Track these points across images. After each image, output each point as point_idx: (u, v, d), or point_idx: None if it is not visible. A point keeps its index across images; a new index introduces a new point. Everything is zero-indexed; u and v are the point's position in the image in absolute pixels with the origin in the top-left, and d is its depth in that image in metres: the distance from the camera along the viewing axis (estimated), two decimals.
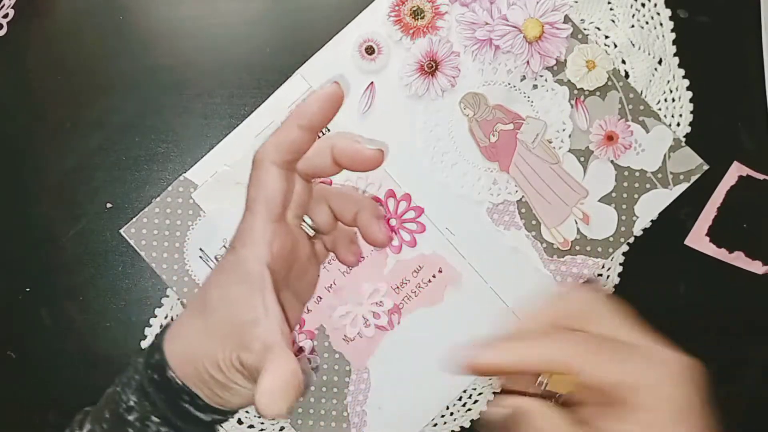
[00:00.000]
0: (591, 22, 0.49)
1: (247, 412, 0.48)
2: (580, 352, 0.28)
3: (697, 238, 0.49)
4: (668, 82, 0.49)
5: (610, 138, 0.48)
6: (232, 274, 0.34)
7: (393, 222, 0.48)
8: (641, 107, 0.48)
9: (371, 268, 0.48)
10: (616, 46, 0.49)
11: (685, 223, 0.49)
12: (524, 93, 0.48)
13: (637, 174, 0.48)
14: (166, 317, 0.48)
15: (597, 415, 0.28)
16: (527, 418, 0.27)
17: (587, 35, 0.48)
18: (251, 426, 0.48)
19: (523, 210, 0.48)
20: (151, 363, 0.35)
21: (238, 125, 0.47)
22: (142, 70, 0.48)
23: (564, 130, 0.48)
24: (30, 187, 0.48)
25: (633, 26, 0.49)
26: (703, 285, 0.50)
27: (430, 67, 0.47)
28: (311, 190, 0.37)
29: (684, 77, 0.49)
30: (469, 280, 0.48)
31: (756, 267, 0.49)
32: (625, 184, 0.48)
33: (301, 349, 0.47)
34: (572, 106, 0.48)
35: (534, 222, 0.48)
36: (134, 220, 0.47)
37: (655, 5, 0.49)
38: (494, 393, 0.46)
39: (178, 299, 0.47)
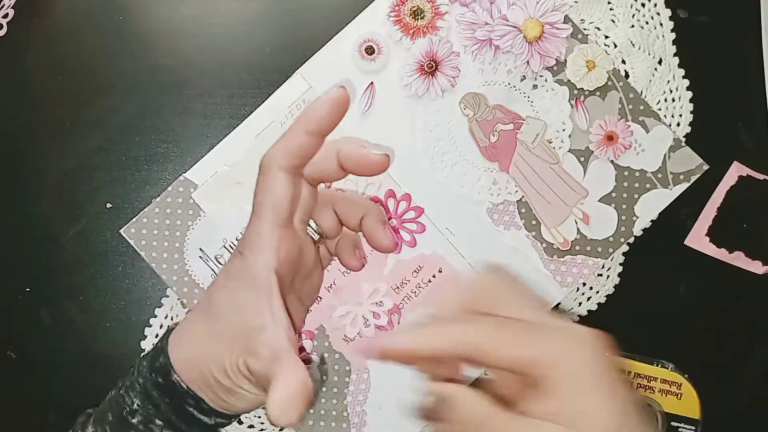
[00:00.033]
0: (591, 22, 0.49)
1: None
2: (490, 334, 0.28)
3: (697, 238, 0.49)
4: (668, 82, 0.49)
5: (610, 138, 0.48)
6: (239, 280, 0.34)
7: (393, 222, 0.48)
8: (641, 107, 0.48)
9: (371, 268, 0.48)
10: (616, 46, 0.49)
11: (685, 223, 0.49)
12: (524, 93, 0.48)
13: (637, 174, 0.48)
14: (166, 317, 0.48)
15: (520, 398, 0.28)
16: (450, 404, 0.27)
17: (587, 35, 0.48)
18: (251, 426, 0.48)
19: (523, 210, 0.48)
20: (156, 366, 0.35)
21: (238, 125, 0.47)
22: (142, 70, 0.48)
23: (564, 130, 0.48)
24: (30, 187, 0.48)
25: (633, 26, 0.49)
26: (703, 285, 0.50)
27: (430, 67, 0.47)
28: (316, 195, 0.37)
29: (684, 77, 0.49)
30: None
31: (756, 267, 0.50)
32: (625, 184, 0.48)
33: (309, 360, 0.47)
34: (572, 106, 0.48)
35: (534, 222, 0.48)
36: (134, 220, 0.47)
37: (655, 5, 0.49)
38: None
39: (178, 299, 0.47)
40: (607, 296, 0.49)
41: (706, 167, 0.48)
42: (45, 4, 0.48)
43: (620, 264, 0.49)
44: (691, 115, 0.49)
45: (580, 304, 0.49)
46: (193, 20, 0.48)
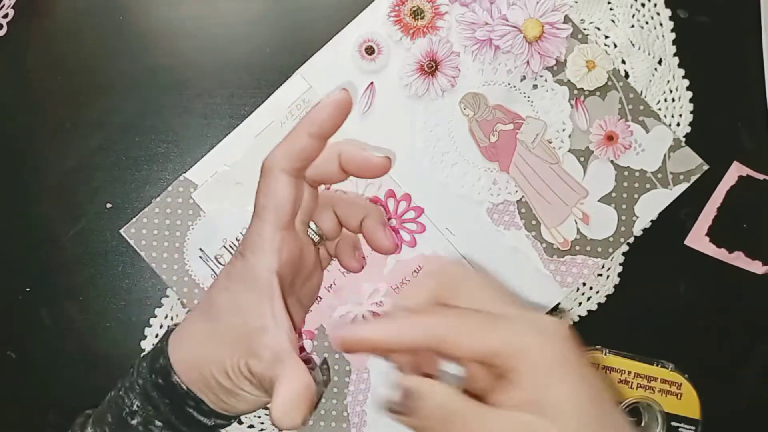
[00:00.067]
0: (591, 22, 0.49)
1: None
2: (456, 325, 0.29)
3: (697, 238, 0.49)
4: (668, 82, 0.49)
5: (610, 138, 0.48)
6: (241, 281, 0.34)
7: (393, 222, 0.48)
8: (641, 107, 0.48)
9: (371, 268, 0.48)
10: (616, 46, 0.49)
11: (685, 223, 0.49)
12: (524, 93, 0.48)
13: (637, 174, 0.48)
14: (166, 317, 0.48)
15: (492, 390, 0.29)
16: (417, 397, 0.27)
17: (587, 35, 0.48)
18: (251, 426, 0.48)
19: (523, 210, 0.48)
20: (156, 367, 0.35)
21: (238, 125, 0.47)
22: (142, 70, 0.48)
23: (564, 130, 0.48)
24: (30, 187, 0.48)
25: (633, 26, 0.49)
26: (703, 285, 0.50)
27: (430, 67, 0.47)
28: (317, 197, 0.37)
29: (684, 77, 0.49)
30: None
31: (756, 267, 0.50)
32: (625, 184, 0.48)
33: (309, 360, 0.47)
34: (572, 106, 0.48)
35: (534, 222, 0.48)
36: (134, 220, 0.47)
37: (655, 5, 0.49)
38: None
39: (178, 299, 0.47)
40: (607, 296, 0.49)
41: (706, 167, 0.48)
42: (45, 4, 0.48)
43: (620, 264, 0.49)
44: (691, 115, 0.49)
45: (580, 304, 0.49)
46: (193, 20, 0.48)
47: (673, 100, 0.49)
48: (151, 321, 0.47)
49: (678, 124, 0.49)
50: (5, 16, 0.48)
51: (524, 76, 0.48)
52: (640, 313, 0.49)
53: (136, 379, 0.36)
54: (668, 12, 0.49)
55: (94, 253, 0.48)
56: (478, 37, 0.47)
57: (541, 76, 0.48)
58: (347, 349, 0.30)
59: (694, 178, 0.48)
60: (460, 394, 0.27)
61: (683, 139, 0.49)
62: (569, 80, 0.48)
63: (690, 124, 0.49)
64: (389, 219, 0.48)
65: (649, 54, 0.49)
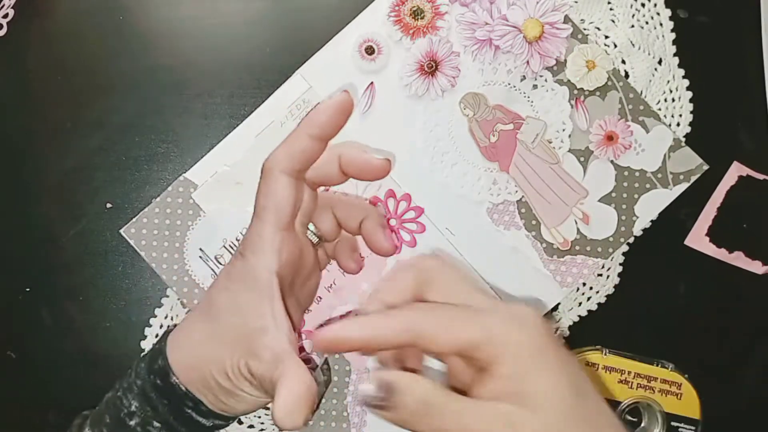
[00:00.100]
0: (591, 22, 0.49)
1: None
2: (432, 320, 0.29)
3: (697, 238, 0.49)
4: (668, 82, 0.49)
5: (610, 138, 0.48)
6: (241, 281, 0.34)
7: (393, 222, 0.48)
8: (641, 107, 0.48)
9: (371, 269, 0.48)
10: (616, 46, 0.49)
11: (685, 223, 0.49)
12: (524, 93, 0.48)
13: (637, 174, 0.48)
14: (166, 317, 0.48)
15: (473, 383, 0.29)
16: (395, 391, 0.27)
17: (587, 35, 0.48)
18: (251, 426, 0.48)
19: (522, 210, 0.48)
20: (154, 368, 0.35)
21: (238, 125, 0.47)
22: (142, 70, 0.48)
23: (564, 130, 0.48)
24: (30, 187, 0.48)
25: (633, 26, 0.49)
26: (703, 285, 0.50)
27: (430, 67, 0.47)
28: (317, 198, 0.37)
29: (684, 77, 0.49)
30: None
31: (756, 267, 0.50)
32: (625, 184, 0.48)
33: (309, 360, 0.47)
34: (572, 106, 0.48)
35: (534, 222, 0.48)
36: (134, 220, 0.47)
37: (655, 5, 0.49)
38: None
39: (178, 299, 0.47)
40: (607, 296, 0.49)
41: (706, 167, 0.48)
42: (45, 4, 0.48)
43: (620, 264, 0.49)
44: (691, 115, 0.49)
45: (580, 304, 0.49)
46: (193, 20, 0.48)
47: (673, 100, 0.49)
48: (151, 321, 0.47)
49: (678, 124, 0.49)
50: (5, 16, 0.48)
51: (524, 76, 0.48)
52: (640, 313, 0.49)
53: (135, 379, 0.36)
54: (668, 12, 0.49)
55: (94, 253, 0.48)
56: (478, 37, 0.47)
57: (541, 76, 0.48)
58: (326, 349, 0.30)
59: (694, 178, 0.48)
60: (439, 388, 0.28)
61: (683, 139, 0.49)
62: (569, 80, 0.48)
63: (690, 124, 0.49)
64: (389, 219, 0.48)
65: (649, 54, 0.49)
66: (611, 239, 0.48)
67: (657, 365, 0.48)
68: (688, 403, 0.48)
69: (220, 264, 0.47)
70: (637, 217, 0.48)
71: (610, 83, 0.48)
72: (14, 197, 0.48)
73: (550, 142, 0.48)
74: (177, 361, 0.35)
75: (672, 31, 0.49)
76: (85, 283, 0.48)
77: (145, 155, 0.48)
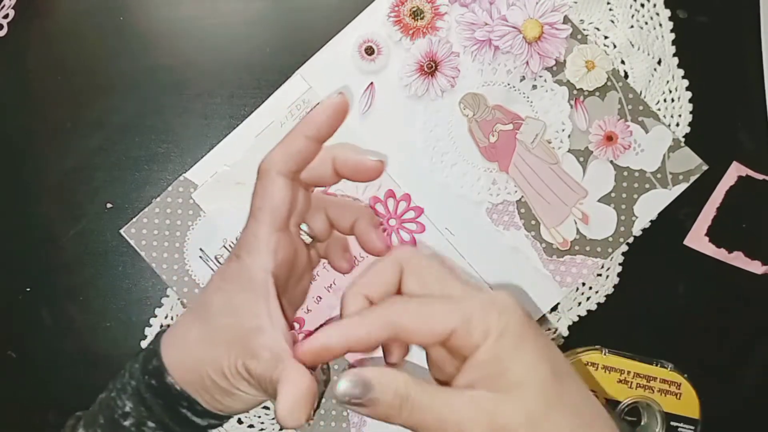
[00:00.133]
0: (590, 23, 0.49)
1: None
2: (411, 312, 0.29)
3: (697, 238, 0.49)
4: (667, 82, 0.49)
5: (610, 138, 0.48)
6: (236, 282, 0.34)
7: (393, 222, 0.48)
8: (640, 107, 0.48)
9: None
10: (615, 46, 0.49)
11: (685, 223, 0.49)
12: (523, 93, 0.48)
13: (637, 174, 0.48)
14: (166, 317, 0.48)
15: (454, 373, 0.29)
16: (369, 388, 0.28)
17: (586, 36, 0.48)
18: (251, 426, 0.48)
19: (522, 210, 0.48)
20: (149, 369, 0.35)
21: (238, 125, 0.48)
22: (142, 70, 0.48)
23: (563, 130, 0.48)
24: (30, 187, 0.48)
25: (632, 26, 0.49)
26: (703, 285, 0.50)
27: (430, 68, 0.47)
28: (310, 199, 0.37)
29: (683, 77, 0.49)
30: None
31: (755, 267, 0.50)
32: (625, 184, 0.48)
33: None
34: (571, 106, 0.48)
35: (533, 222, 0.48)
36: (134, 220, 0.47)
37: (655, 5, 0.49)
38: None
39: (178, 299, 0.47)
40: (607, 296, 0.49)
41: (705, 167, 0.48)
42: (45, 4, 0.48)
43: (619, 264, 0.49)
44: (691, 116, 0.49)
45: (579, 304, 0.49)
46: (193, 20, 0.48)
47: (673, 100, 0.49)
48: (151, 321, 0.48)
49: (677, 125, 0.49)
50: (6, 16, 0.48)
51: (524, 76, 0.48)
52: (639, 313, 0.50)
53: (128, 380, 0.36)
54: (668, 12, 0.49)
55: (94, 253, 0.48)
56: (478, 38, 0.47)
57: (540, 76, 0.48)
58: (312, 360, 0.30)
59: (693, 178, 0.48)
60: (415, 381, 0.28)
61: (683, 140, 0.49)
62: (568, 80, 0.48)
63: (689, 125, 0.49)
64: (389, 219, 0.48)
65: (648, 54, 0.49)
66: (611, 239, 0.48)
67: (656, 365, 0.48)
68: (687, 402, 0.48)
69: (221, 264, 0.47)
70: (637, 217, 0.48)
71: (609, 83, 0.48)
72: (14, 197, 0.48)
73: (550, 143, 0.48)
74: (172, 362, 0.35)
75: (671, 31, 0.49)
76: (85, 283, 0.48)
77: (145, 155, 0.48)
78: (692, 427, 0.48)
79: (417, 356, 0.33)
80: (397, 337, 0.29)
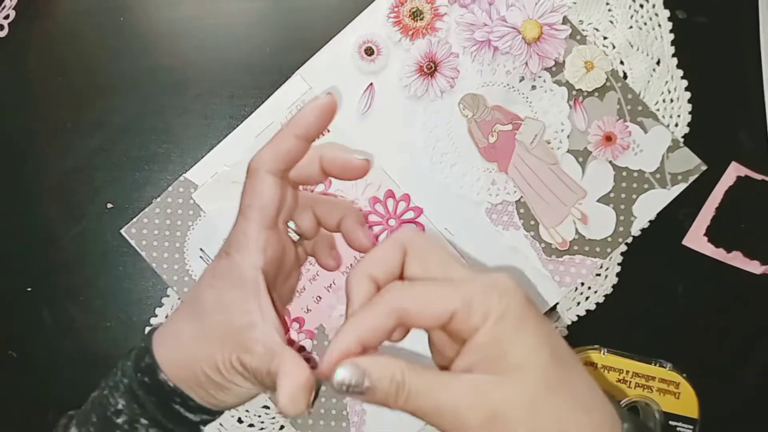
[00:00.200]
0: (589, 23, 0.49)
1: (247, 411, 0.48)
2: (414, 295, 0.30)
3: (695, 238, 0.49)
4: (666, 82, 0.49)
5: (609, 138, 0.48)
6: (226, 279, 0.35)
7: (392, 222, 0.48)
8: (639, 108, 0.48)
9: None
10: (614, 46, 0.49)
11: (684, 223, 0.49)
12: (523, 94, 0.48)
13: (636, 174, 0.48)
14: (166, 317, 0.48)
15: (454, 357, 0.29)
16: (364, 376, 0.28)
17: (586, 36, 0.48)
18: (251, 425, 0.48)
19: (521, 210, 0.48)
20: (141, 366, 0.35)
21: (238, 126, 0.48)
22: (143, 70, 0.48)
23: (562, 130, 0.48)
24: (30, 187, 0.48)
25: (631, 27, 0.49)
26: (701, 285, 0.50)
27: (430, 68, 0.47)
28: (297, 197, 0.38)
29: (682, 78, 0.49)
30: None
31: (754, 267, 0.50)
32: (624, 184, 0.48)
33: (309, 359, 0.48)
34: (571, 106, 0.48)
35: (533, 222, 0.48)
36: (135, 220, 0.47)
37: (654, 6, 0.49)
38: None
39: (179, 299, 0.47)
40: (606, 296, 0.49)
41: (704, 167, 0.48)
42: (46, 5, 0.48)
43: (618, 264, 0.49)
44: (690, 116, 0.49)
45: (578, 303, 0.49)
46: (193, 20, 0.49)
47: (672, 100, 0.49)
48: (152, 321, 0.48)
49: (676, 125, 0.49)
50: (6, 17, 0.48)
51: (523, 77, 0.48)
52: (638, 313, 0.50)
53: (121, 378, 0.36)
54: (667, 13, 0.49)
55: (94, 253, 0.48)
56: (477, 38, 0.47)
57: (539, 76, 0.48)
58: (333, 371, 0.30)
59: (692, 179, 0.48)
60: (411, 367, 0.28)
61: (681, 140, 0.49)
62: (568, 81, 0.48)
63: (688, 125, 0.49)
64: (388, 219, 0.48)
65: (647, 55, 0.49)
66: (609, 239, 0.48)
67: (655, 365, 0.48)
68: (686, 402, 0.48)
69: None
70: (636, 217, 0.48)
71: (608, 84, 0.48)
72: (14, 197, 0.48)
73: (549, 143, 0.48)
74: (165, 359, 0.35)
75: (670, 31, 0.49)
76: (85, 283, 0.48)
77: (145, 155, 0.48)
78: (691, 427, 0.48)
79: (421, 344, 0.33)
80: (402, 322, 0.30)
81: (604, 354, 0.48)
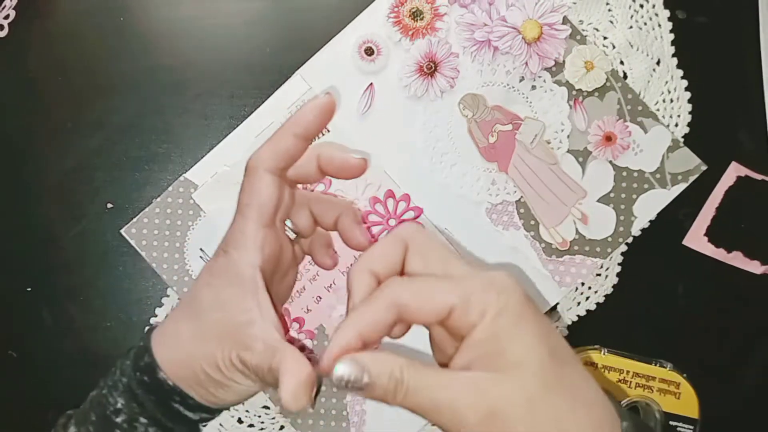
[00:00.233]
0: (589, 23, 0.49)
1: (247, 411, 0.48)
2: (414, 290, 0.30)
3: (696, 238, 0.49)
4: (666, 82, 0.49)
5: (609, 138, 0.48)
6: (224, 277, 0.35)
7: (392, 222, 0.48)
8: (640, 108, 0.48)
9: None
10: (614, 46, 0.49)
11: (684, 223, 0.49)
12: (523, 94, 0.48)
13: (636, 174, 0.48)
14: (166, 317, 0.48)
15: (453, 354, 0.29)
16: (369, 374, 0.28)
17: (586, 36, 0.48)
18: (251, 425, 0.48)
19: (521, 210, 0.48)
20: (140, 366, 0.35)
21: (238, 126, 0.48)
22: (143, 70, 0.48)
23: (562, 130, 0.48)
24: (30, 187, 0.48)
25: (631, 27, 0.49)
26: (702, 285, 0.50)
27: (430, 68, 0.47)
28: (294, 196, 0.38)
29: (682, 78, 0.49)
30: None
31: (754, 267, 0.50)
32: (624, 184, 0.48)
33: (303, 347, 0.48)
34: (571, 106, 0.48)
35: (533, 222, 0.48)
36: (135, 220, 0.47)
37: (654, 6, 0.49)
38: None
39: (179, 299, 0.47)
40: (606, 296, 0.49)
41: (704, 167, 0.48)
42: (46, 5, 0.48)
43: (619, 264, 0.49)
44: (690, 116, 0.49)
45: (578, 303, 0.49)
46: (193, 20, 0.49)
47: (672, 100, 0.49)
48: (152, 321, 0.48)
49: (676, 125, 0.49)
50: (6, 17, 0.48)
51: (523, 77, 0.48)
52: (638, 313, 0.50)
53: (120, 377, 0.36)
54: (667, 13, 0.49)
55: (94, 253, 0.48)
56: (477, 38, 0.47)
57: (539, 76, 0.48)
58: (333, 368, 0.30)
59: (692, 179, 0.48)
60: (410, 364, 0.28)
61: (682, 140, 0.49)
62: (568, 81, 0.48)
63: (688, 125, 0.49)
64: (388, 219, 0.48)
65: (647, 55, 0.49)
66: (610, 239, 0.48)
67: (655, 365, 0.48)
68: (686, 402, 0.48)
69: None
70: (636, 217, 0.48)
71: (608, 84, 0.48)
72: (14, 197, 0.48)
73: (549, 143, 0.48)
74: (164, 358, 0.35)
75: (670, 31, 0.49)
76: (85, 283, 0.48)
77: (145, 155, 0.48)
78: (691, 427, 0.48)
79: (421, 341, 0.33)
80: (401, 316, 0.30)
81: (604, 354, 0.48)
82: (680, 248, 0.49)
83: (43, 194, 0.48)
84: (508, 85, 0.48)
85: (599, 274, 0.49)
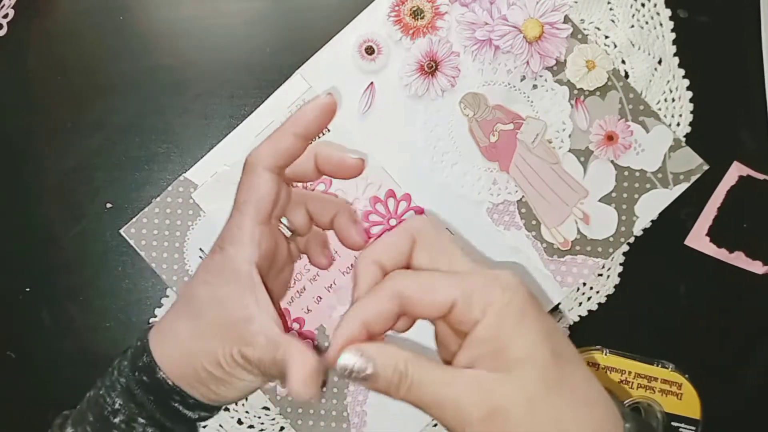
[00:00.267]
0: (591, 22, 0.49)
1: (247, 412, 0.48)
2: (418, 283, 0.30)
3: (697, 238, 0.49)
4: (668, 82, 0.49)
5: (610, 138, 0.48)
6: (221, 274, 0.35)
7: (393, 222, 0.48)
8: (641, 107, 0.48)
9: None
10: (616, 46, 0.49)
11: (686, 223, 0.49)
12: (524, 93, 0.48)
13: (637, 174, 0.48)
14: (163, 316, 0.47)
15: (457, 351, 0.29)
16: (374, 366, 0.28)
17: (587, 35, 0.48)
18: (251, 426, 0.48)
19: (523, 210, 0.48)
20: (139, 366, 0.35)
21: (238, 125, 0.47)
22: (143, 70, 0.48)
23: (564, 130, 0.48)
24: (30, 187, 0.48)
25: (633, 26, 0.49)
26: (704, 285, 0.50)
27: (430, 67, 0.47)
28: (290, 194, 0.38)
29: (684, 77, 0.49)
30: None
31: (756, 267, 0.49)
32: (625, 184, 0.48)
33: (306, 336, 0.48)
34: (572, 106, 0.48)
35: (534, 222, 0.48)
36: (134, 220, 0.47)
37: (655, 5, 0.49)
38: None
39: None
40: (608, 296, 0.49)
41: (706, 167, 0.48)
42: (45, 4, 0.48)
43: (620, 264, 0.49)
44: (691, 115, 0.49)
45: (580, 304, 0.49)
46: (193, 20, 0.48)
47: (673, 100, 0.49)
48: (151, 321, 0.48)
49: (678, 124, 0.49)
50: (5, 16, 0.48)
51: (524, 76, 0.48)
52: (640, 313, 0.49)
53: (117, 377, 0.36)
54: (668, 12, 0.49)
55: (94, 253, 0.48)
56: (478, 37, 0.47)
57: (540, 76, 0.48)
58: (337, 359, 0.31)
59: (694, 178, 0.48)
60: (415, 359, 0.28)
61: (683, 139, 0.49)
62: (569, 80, 0.48)
63: (690, 124, 0.49)
64: (389, 219, 0.48)
65: (649, 54, 0.49)
66: (611, 239, 0.48)
67: (657, 365, 0.48)
68: (688, 403, 0.48)
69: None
70: (638, 217, 0.48)
71: (610, 83, 0.48)
72: (14, 197, 0.48)
73: (550, 142, 0.48)
74: (163, 358, 0.35)
75: (672, 31, 0.49)
76: (85, 283, 0.48)
77: (145, 155, 0.48)
78: (693, 428, 0.48)
79: (426, 336, 0.33)
80: (404, 309, 0.30)
81: (606, 355, 0.48)
82: (682, 248, 0.49)
83: (43, 194, 0.48)
84: (509, 84, 0.48)
85: (601, 274, 0.49)
